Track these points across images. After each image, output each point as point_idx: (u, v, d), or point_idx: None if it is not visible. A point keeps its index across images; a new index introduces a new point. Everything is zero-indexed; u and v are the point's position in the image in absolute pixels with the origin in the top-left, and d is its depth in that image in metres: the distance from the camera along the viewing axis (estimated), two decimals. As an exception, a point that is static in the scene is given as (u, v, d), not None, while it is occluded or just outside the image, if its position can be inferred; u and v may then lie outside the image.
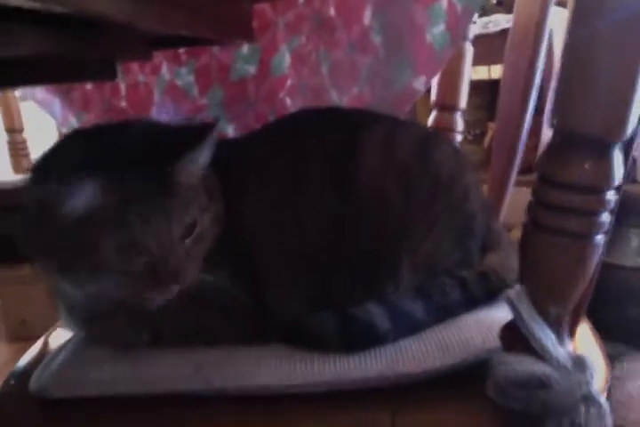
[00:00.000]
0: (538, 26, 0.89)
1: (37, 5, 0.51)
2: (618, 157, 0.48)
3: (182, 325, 0.63)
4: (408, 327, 0.61)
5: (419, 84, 0.94)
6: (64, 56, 0.78)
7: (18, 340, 2.02)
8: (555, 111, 0.49)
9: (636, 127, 0.48)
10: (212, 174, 0.63)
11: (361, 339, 0.59)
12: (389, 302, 0.62)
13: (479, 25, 1.61)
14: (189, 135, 0.58)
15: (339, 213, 0.65)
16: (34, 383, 0.59)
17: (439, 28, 0.87)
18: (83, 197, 0.53)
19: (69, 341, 0.66)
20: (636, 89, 0.45)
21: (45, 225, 0.56)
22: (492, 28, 1.56)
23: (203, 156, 0.59)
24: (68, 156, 0.58)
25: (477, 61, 1.49)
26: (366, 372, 0.55)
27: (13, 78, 0.86)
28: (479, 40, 1.23)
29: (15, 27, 0.67)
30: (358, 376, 0.55)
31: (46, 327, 0.76)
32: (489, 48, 1.29)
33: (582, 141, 0.47)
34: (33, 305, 2.02)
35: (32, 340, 0.73)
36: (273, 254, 0.65)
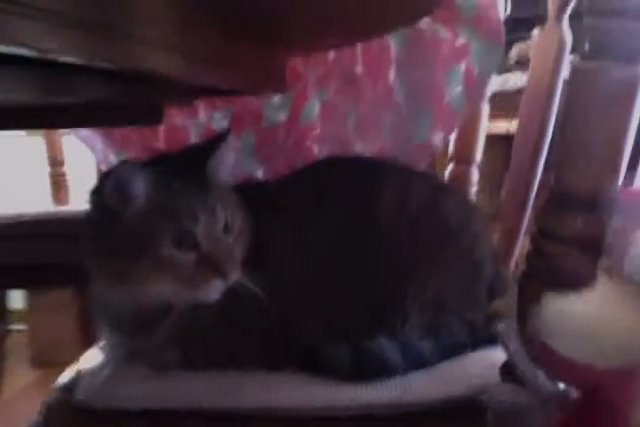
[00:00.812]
0: (550, 83, 0.95)
1: (94, 64, 0.59)
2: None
3: (211, 349, 0.68)
4: (416, 362, 0.65)
5: (437, 139, 1.01)
6: (114, 102, 0.85)
7: (43, 365, 2.06)
8: (553, 174, 0.55)
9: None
10: (238, 197, 0.70)
11: (373, 369, 0.63)
12: (400, 337, 0.67)
13: (499, 82, 1.69)
14: (211, 143, 0.68)
15: (355, 249, 0.71)
16: (80, 395, 0.65)
17: (457, 90, 0.95)
18: (137, 193, 0.61)
19: (109, 359, 0.72)
20: (623, 156, 0.51)
21: (105, 228, 0.63)
22: (511, 86, 1.64)
23: (225, 155, 0.69)
24: (123, 169, 0.64)
25: (497, 116, 1.56)
26: (377, 399, 0.60)
27: (65, 121, 0.94)
28: (499, 96, 1.30)
29: (71, 76, 0.74)
30: (370, 403, 0.60)
31: (71, 353, 0.81)
32: (508, 104, 1.36)
33: (576, 200, 0.53)
34: (60, 331, 2.07)
35: (57, 366, 0.77)
36: (296, 282, 0.69)
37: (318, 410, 0.61)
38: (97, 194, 0.64)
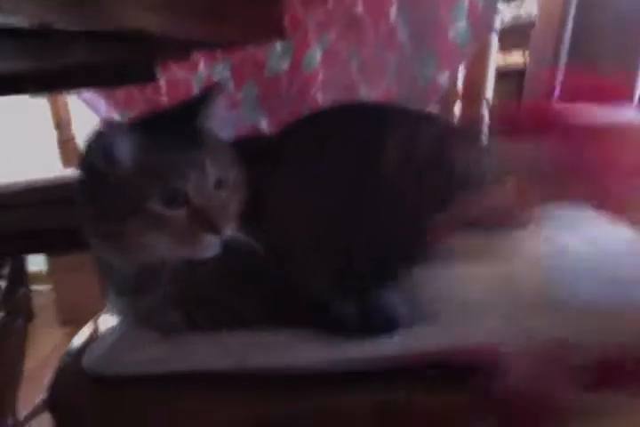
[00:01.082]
0: (562, 13, 0.91)
1: (87, 28, 0.57)
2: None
3: (214, 307, 0.67)
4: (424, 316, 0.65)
5: (443, 78, 0.97)
6: (107, 63, 0.83)
7: (70, 323, 2.12)
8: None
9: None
10: (237, 150, 0.69)
11: (383, 326, 0.63)
12: (408, 291, 0.66)
13: (510, 16, 1.62)
14: (200, 98, 0.67)
15: (359, 199, 0.69)
16: (86, 362, 0.66)
17: (462, 24, 0.90)
18: (123, 154, 0.60)
19: (117, 324, 0.73)
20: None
21: (96, 191, 0.62)
22: (522, 19, 1.57)
23: (217, 109, 0.66)
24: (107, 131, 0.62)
25: (510, 48, 1.50)
26: (384, 352, 0.60)
27: (62, 84, 0.92)
28: (512, 28, 1.25)
29: (61, 40, 0.72)
30: (377, 356, 0.60)
31: (96, 312, 0.81)
32: (521, 35, 1.31)
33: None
34: (84, 291, 2.12)
35: (83, 323, 0.78)
36: (298, 235, 0.68)
37: (322, 366, 0.61)
38: (85, 157, 0.63)
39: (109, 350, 0.67)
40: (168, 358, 0.64)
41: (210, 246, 0.62)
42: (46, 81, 0.87)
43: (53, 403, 0.66)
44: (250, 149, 0.71)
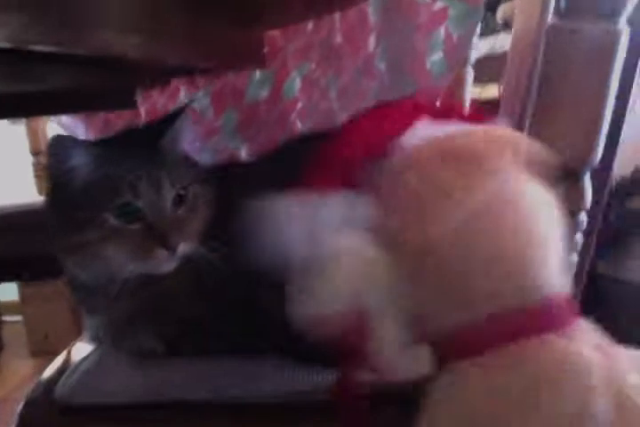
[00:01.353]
0: (533, 45, 0.93)
1: (59, 50, 0.57)
2: (587, 183, 0.52)
3: (184, 326, 0.67)
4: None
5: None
6: (88, 88, 0.83)
7: (40, 354, 2.07)
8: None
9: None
10: (203, 170, 0.71)
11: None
12: None
13: (486, 46, 1.66)
14: (167, 119, 0.69)
15: None
16: (59, 391, 0.64)
17: (437, 56, 0.92)
18: (75, 165, 0.62)
19: (91, 352, 0.71)
20: (604, 117, 0.49)
21: (57, 203, 0.65)
22: (499, 49, 1.61)
23: (181, 128, 0.69)
24: (57, 142, 0.64)
25: (487, 80, 1.53)
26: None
27: (41, 109, 0.92)
28: (487, 60, 1.27)
29: (42, 64, 0.72)
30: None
31: (68, 342, 0.81)
32: (497, 67, 1.34)
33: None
34: (55, 321, 2.08)
35: (54, 354, 0.77)
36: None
37: (303, 395, 0.60)
38: (47, 169, 0.66)
39: (82, 379, 0.65)
40: (141, 388, 0.63)
41: (163, 262, 0.63)
42: (26, 105, 0.86)
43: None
44: (224, 173, 0.74)
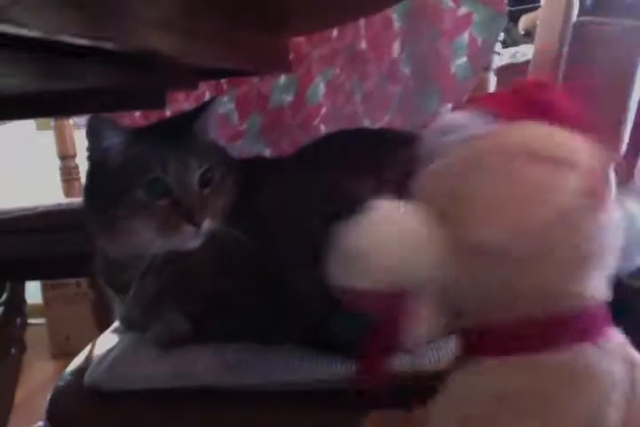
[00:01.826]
0: (557, 51, 0.94)
1: (96, 44, 0.59)
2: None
3: (211, 303, 0.69)
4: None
5: (446, 110, 1.00)
6: (116, 87, 0.85)
7: (62, 356, 2.09)
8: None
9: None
10: (230, 156, 0.75)
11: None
12: None
13: (507, 55, 1.67)
14: (199, 108, 0.74)
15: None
16: (88, 378, 0.66)
17: (461, 60, 0.94)
18: (110, 144, 0.67)
19: (119, 340, 0.73)
20: (627, 115, 0.50)
21: (93, 180, 0.70)
22: (520, 58, 1.62)
23: (210, 116, 0.73)
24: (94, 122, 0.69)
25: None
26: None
27: (70, 108, 0.94)
28: (508, 69, 1.28)
29: (72, 61, 0.74)
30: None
31: (89, 343, 0.82)
32: (518, 77, 1.35)
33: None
34: (77, 323, 2.10)
35: (75, 356, 0.77)
36: (289, 239, 0.70)
37: (324, 383, 0.61)
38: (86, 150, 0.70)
39: (111, 366, 0.66)
40: (167, 374, 0.64)
41: (189, 237, 0.66)
42: (62, 103, 0.88)
43: (54, 420, 0.66)
44: (252, 163, 0.79)
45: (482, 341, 0.47)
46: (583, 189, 0.43)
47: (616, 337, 0.47)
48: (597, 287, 0.46)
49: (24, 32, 0.47)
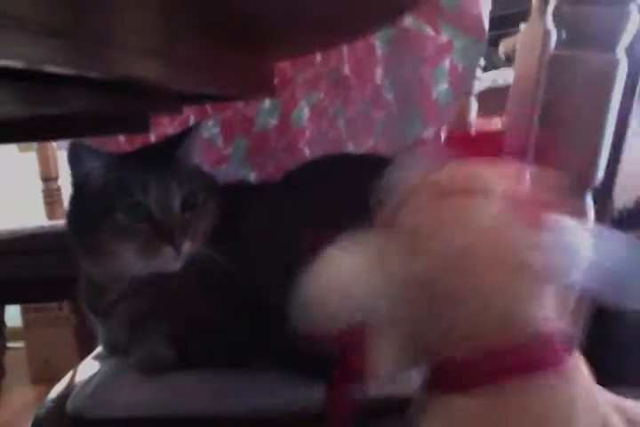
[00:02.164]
0: (535, 78, 0.96)
1: (79, 73, 0.59)
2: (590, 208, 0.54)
3: (195, 325, 0.69)
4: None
5: (428, 134, 1.01)
6: (104, 111, 0.85)
7: (41, 381, 2.06)
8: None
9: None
10: (213, 179, 0.76)
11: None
12: None
13: (488, 79, 1.69)
14: (183, 133, 0.75)
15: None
16: (70, 405, 0.65)
17: (443, 86, 0.95)
18: (91, 169, 0.68)
19: (101, 367, 0.72)
20: (604, 144, 0.51)
21: (76, 204, 0.71)
22: (501, 83, 1.64)
23: (194, 141, 0.75)
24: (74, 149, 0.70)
25: (489, 113, 1.56)
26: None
27: (53, 132, 0.94)
28: (490, 93, 1.30)
29: (56, 88, 0.74)
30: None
31: (69, 369, 0.81)
32: (499, 101, 1.37)
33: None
34: (56, 347, 2.07)
35: (55, 381, 0.78)
36: (271, 262, 0.70)
37: (310, 410, 0.61)
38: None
39: (94, 393, 0.66)
40: (151, 402, 0.64)
41: (169, 260, 0.67)
42: (43, 128, 0.89)
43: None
44: (235, 188, 0.80)
45: (442, 375, 0.47)
46: (501, 214, 0.45)
47: (579, 365, 0.47)
48: (549, 312, 0.46)
49: (8, 63, 0.48)
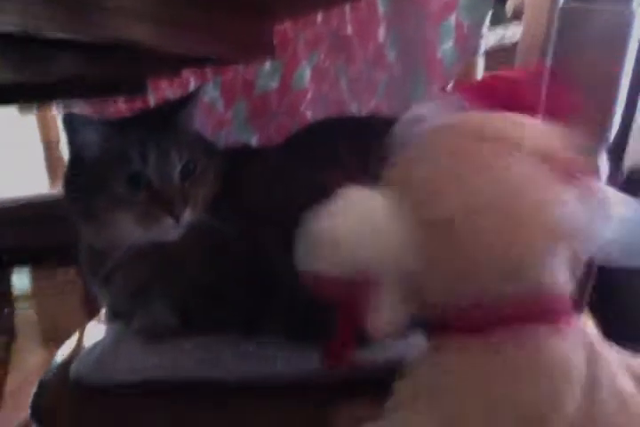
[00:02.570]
0: (545, 34, 0.93)
1: (74, 37, 0.58)
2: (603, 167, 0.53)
3: (198, 291, 0.69)
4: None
5: (433, 95, 0.99)
6: (100, 74, 0.84)
7: (51, 343, 2.10)
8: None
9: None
10: (213, 145, 0.75)
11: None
12: None
13: (495, 37, 1.65)
14: (183, 99, 0.73)
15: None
16: (74, 371, 0.65)
17: (448, 44, 0.92)
18: (88, 140, 0.67)
19: (105, 332, 0.73)
20: (617, 98, 0.49)
21: (74, 172, 0.69)
22: (508, 40, 1.60)
23: (195, 107, 0.72)
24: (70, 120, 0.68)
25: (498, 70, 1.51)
26: (375, 360, 0.60)
27: (52, 94, 0.93)
28: (496, 52, 1.27)
29: (53, 51, 0.73)
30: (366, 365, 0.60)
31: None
32: (507, 58, 1.33)
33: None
34: (65, 312, 2.11)
35: (65, 342, 0.79)
36: (274, 227, 0.69)
37: (312, 376, 0.61)
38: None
39: (97, 359, 0.66)
40: (156, 367, 0.64)
41: (169, 229, 0.66)
42: (35, 91, 0.87)
43: (39, 413, 0.66)
44: (236, 153, 0.77)
45: (444, 325, 0.47)
46: (531, 166, 0.44)
47: (580, 322, 0.47)
48: (560, 273, 0.46)
49: (2, 28, 0.46)
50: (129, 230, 0.66)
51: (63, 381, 0.65)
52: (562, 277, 0.46)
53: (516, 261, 0.45)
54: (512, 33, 1.70)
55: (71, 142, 0.68)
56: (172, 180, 0.67)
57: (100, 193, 0.65)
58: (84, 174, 0.68)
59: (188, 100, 0.72)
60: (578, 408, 0.44)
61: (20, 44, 0.64)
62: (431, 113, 0.48)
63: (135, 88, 0.89)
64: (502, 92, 0.49)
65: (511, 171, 0.44)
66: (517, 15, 1.93)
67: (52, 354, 0.76)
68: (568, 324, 0.46)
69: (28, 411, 0.67)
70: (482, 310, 0.45)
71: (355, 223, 0.45)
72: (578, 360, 0.45)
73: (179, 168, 0.67)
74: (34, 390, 0.68)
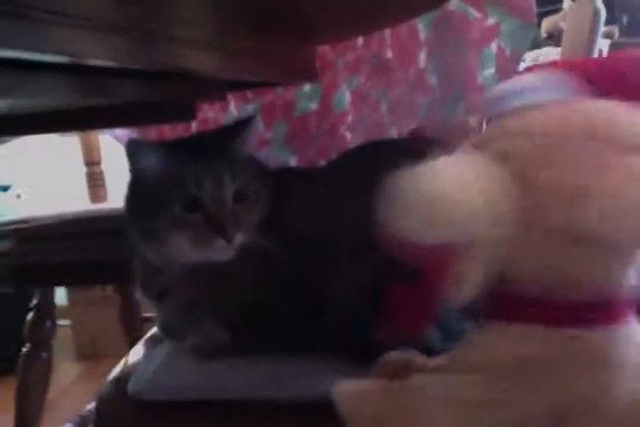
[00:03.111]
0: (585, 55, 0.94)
1: (130, 66, 0.60)
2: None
3: (250, 312, 0.71)
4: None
5: (472, 120, 1.00)
6: (152, 101, 0.86)
7: (86, 358, 2.12)
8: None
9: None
10: (264, 168, 0.78)
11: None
12: (443, 322, 0.67)
13: (530, 58, 1.66)
14: (237, 125, 0.77)
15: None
16: (131, 387, 0.68)
17: (489, 71, 0.94)
18: (148, 164, 0.70)
19: (160, 351, 0.75)
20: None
21: (135, 192, 0.74)
22: (543, 61, 1.61)
23: (250, 134, 0.76)
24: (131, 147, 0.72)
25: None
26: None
27: (101, 123, 0.96)
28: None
29: (107, 78, 0.75)
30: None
31: (113, 346, 0.85)
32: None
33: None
34: (101, 325, 2.13)
35: (100, 358, 0.81)
36: (325, 249, 0.72)
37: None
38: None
39: (153, 376, 0.68)
40: (209, 385, 0.66)
41: (221, 251, 0.69)
42: (92, 118, 0.90)
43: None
44: (284, 175, 0.81)
45: (516, 306, 0.48)
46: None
47: (635, 325, 0.48)
48: (633, 277, 0.47)
49: (61, 59, 0.48)
50: (184, 250, 0.70)
51: (120, 397, 0.67)
52: (634, 281, 0.47)
53: (623, 246, 0.45)
54: (546, 54, 1.71)
55: (133, 166, 0.72)
56: (225, 203, 0.70)
57: (159, 214, 0.69)
58: (143, 195, 0.72)
59: (243, 126, 0.75)
60: (626, 402, 0.45)
61: (79, 71, 0.66)
62: (532, 88, 0.48)
63: (186, 114, 0.92)
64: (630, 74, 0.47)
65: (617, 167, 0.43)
66: (551, 37, 1.94)
67: (85, 369, 0.79)
68: (628, 324, 0.48)
69: (66, 424, 0.69)
70: (555, 302, 0.46)
71: (454, 185, 0.44)
72: (632, 360, 0.46)
73: (231, 192, 0.70)
74: (93, 404, 0.70)
